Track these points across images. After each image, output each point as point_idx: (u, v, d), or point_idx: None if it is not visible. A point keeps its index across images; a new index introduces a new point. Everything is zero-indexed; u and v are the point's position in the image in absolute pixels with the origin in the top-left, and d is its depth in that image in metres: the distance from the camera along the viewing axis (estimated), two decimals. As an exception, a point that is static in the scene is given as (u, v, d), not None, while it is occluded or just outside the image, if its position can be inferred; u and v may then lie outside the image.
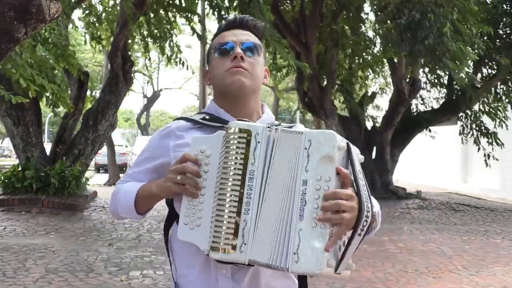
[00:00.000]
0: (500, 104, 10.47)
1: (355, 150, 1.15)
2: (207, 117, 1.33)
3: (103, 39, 10.31)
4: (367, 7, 10.95)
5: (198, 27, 9.56)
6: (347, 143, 1.13)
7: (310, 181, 1.08)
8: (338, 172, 1.09)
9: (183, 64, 9.85)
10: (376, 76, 11.87)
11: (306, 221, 1.06)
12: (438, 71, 9.89)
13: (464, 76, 8.18)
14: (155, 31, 9.74)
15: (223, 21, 1.44)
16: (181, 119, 1.39)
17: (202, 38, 10.01)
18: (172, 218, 1.31)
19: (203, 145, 1.18)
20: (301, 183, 1.09)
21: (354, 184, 1.10)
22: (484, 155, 10.57)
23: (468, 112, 10.88)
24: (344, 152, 1.12)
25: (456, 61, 7.65)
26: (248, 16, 1.39)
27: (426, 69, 10.71)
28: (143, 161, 1.38)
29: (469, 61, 8.10)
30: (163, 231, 1.35)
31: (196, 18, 9.56)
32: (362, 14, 10.83)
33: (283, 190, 1.11)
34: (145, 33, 9.96)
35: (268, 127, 1.16)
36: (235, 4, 7.72)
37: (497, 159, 10.59)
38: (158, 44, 9.74)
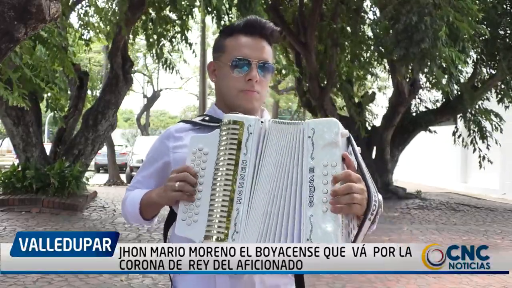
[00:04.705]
0: (489, 112, 10.45)
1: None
2: (207, 118, 1.35)
3: (92, 41, 10.32)
4: (367, 7, 10.93)
5: (197, 31, 9.53)
6: (348, 132, 1.16)
7: (317, 167, 1.09)
8: (344, 158, 1.10)
9: (172, 68, 9.87)
10: (376, 76, 11.82)
11: (316, 207, 1.07)
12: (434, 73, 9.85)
13: (448, 83, 8.08)
14: (158, 29, 9.70)
15: (238, 20, 1.38)
16: (181, 121, 1.41)
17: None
18: (173, 218, 1.32)
19: (201, 144, 1.20)
20: (307, 171, 1.09)
21: (359, 170, 1.12)
22: (479, 157, 10.53)
23: (467, 112, 10.86)
24: (346, 139, 1.14)
25: (445, 69, 7.58)
26: (267, 22, 1.34)
27: (425, 70, 10.68)
28: (147, 163, 1.42)
29: (461, 66, 8.00)
30: (163, 230, 1.37)
31: (192, 19, 9.53)
32: (362, 13, 10.81)
33: (282, 179, 1.12)
34: (149, 32, 9.93)
35: (261, 120, 1.17)
36: (234, 3, 7.68)
37: (491, 162, 10.53)
38: (157, 46, 9.71)
